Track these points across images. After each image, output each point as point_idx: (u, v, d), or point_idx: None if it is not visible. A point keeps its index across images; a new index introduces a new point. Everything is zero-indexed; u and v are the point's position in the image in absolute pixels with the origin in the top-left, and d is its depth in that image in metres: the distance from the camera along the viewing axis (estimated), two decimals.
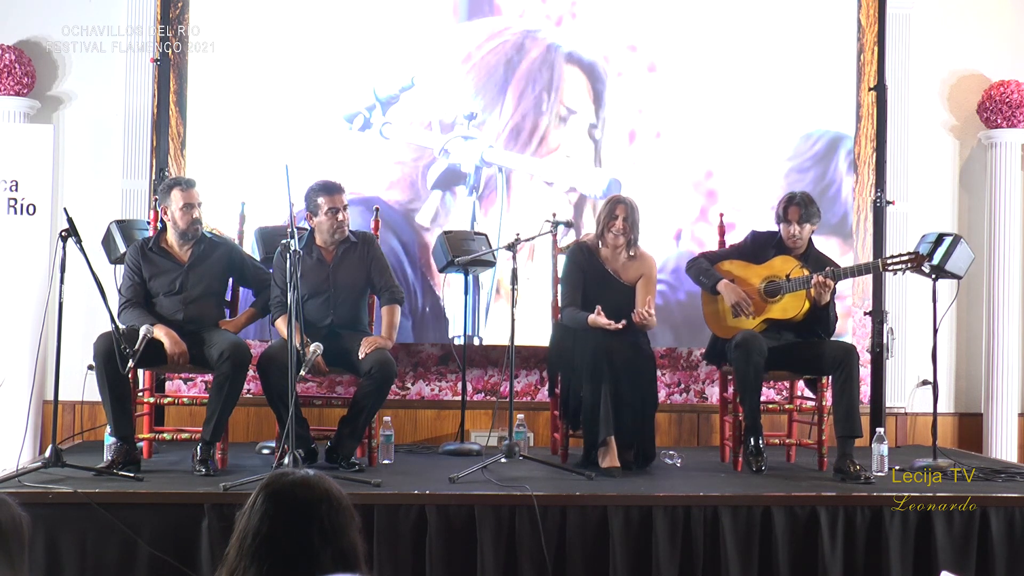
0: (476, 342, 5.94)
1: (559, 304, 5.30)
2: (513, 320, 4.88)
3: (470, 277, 5.78)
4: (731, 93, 6.26)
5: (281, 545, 1.93)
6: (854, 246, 6.32)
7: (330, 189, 4.99)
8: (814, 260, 5.18)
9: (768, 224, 5.32)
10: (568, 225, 5.21)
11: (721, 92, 6.26)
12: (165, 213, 4.91)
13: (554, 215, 5.33)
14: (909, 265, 4.97)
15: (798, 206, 5.10)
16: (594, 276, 5.17)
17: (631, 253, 5.18)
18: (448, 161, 6.10)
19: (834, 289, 5.11)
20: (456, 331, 6.02)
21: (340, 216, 4.97)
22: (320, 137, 6.05)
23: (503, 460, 4.72)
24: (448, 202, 6.10)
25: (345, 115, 6.05)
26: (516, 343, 4.93)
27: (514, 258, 4.91)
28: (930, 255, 5.40)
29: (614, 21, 6.22)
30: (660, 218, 6.09)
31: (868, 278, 6.14)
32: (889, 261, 5.02)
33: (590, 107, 6.21)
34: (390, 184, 6.07)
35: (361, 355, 4.79)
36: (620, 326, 4.90)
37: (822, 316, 5.07)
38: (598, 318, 4.93)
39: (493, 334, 5.93)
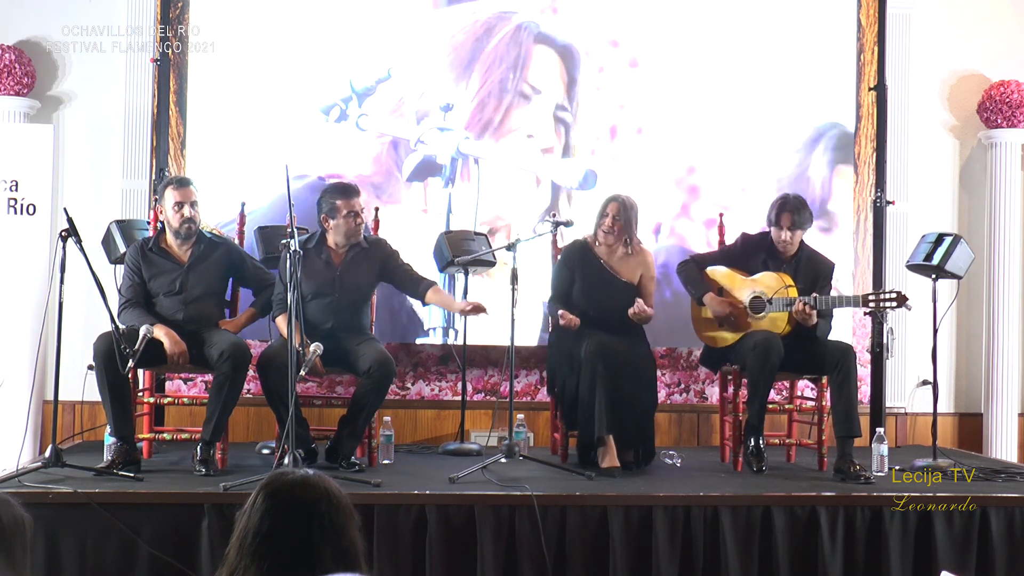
0: (452, 334, 5.95)
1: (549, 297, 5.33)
2: (513, 320, 4.88)
3: (470, 276, 5.79)
4: (725, 91, 6.25)
5: (281, 544, 1.93)
6: (854, 246, 6.32)
7: (348, 192, 4.97)
8: (806, 263, 5.17)
9: (753, 218, 5.31)
10: (568, 225, 5.22)
11: (709, 89, 6.25)
12: (161, 213, 4.91)
13: (554, 215, 5.34)
14: (894, 305, 4.97)
15: (791, 212, 5.09)
16: (591, 272, 5.18)
17: (628, 250, 5.18)
18: (424, 152, 6.10)
19: (830, 288, 5.14)
20: (433, 323, 6.04)
21: (359, 220, 4.96)
22: (321, 136, 6.06)
23: (503, 460, 4.72)
24: (427, 195, 6.12)
25: (327, 109, 6.07)
26: (517, 343, 4.93)
27: (514, 258, 4.92)
28: (929, 256, 5.42)
29: (596, 16, 6.22)
30: (641, 213, 6.08)
31: (868, 276, 6.18)
32: (872, 299, 5.01)
33: (560, 88, 6.20)
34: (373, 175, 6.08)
35: (462, 310, 4.89)
36: (576, 322, 4.96)
37: (809, 332, 5.06)
38: (563, 320, 5.01)
39: (492, 334, 5.93)
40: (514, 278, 4.86)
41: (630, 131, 6.24)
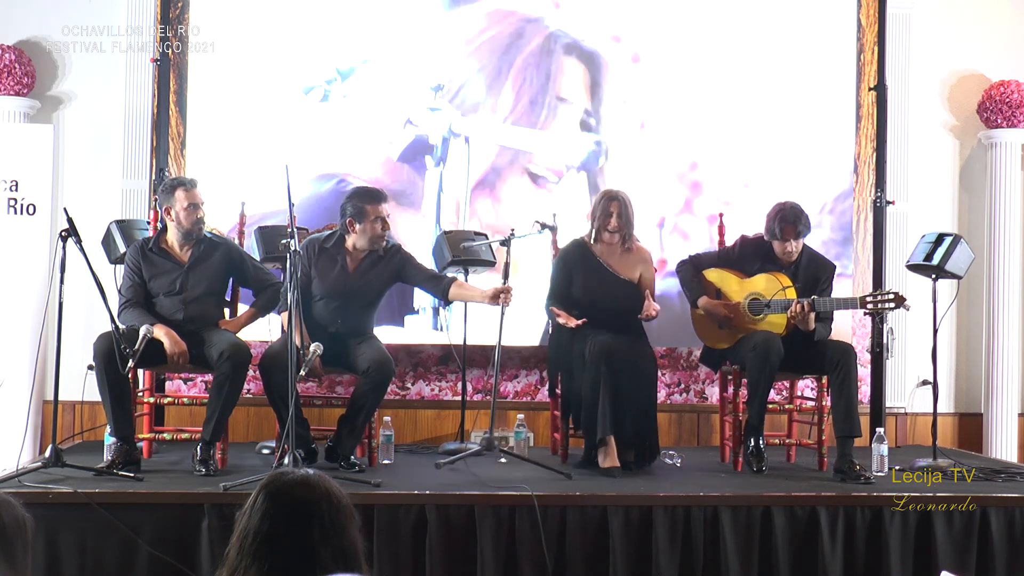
0: (444, 316, 5.98)
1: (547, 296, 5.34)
2: (502, 315, 4.88)
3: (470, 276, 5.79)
4: (727, 88, 6.25)
5: (282, 544, 1.92)
6: (854, 246, 6.32)
7: (376, 197, 4.96)
8: (806, 265, 5.15)
9: (756, 215, 5.30)
10: (553, 229, 5.22)
11: (711, 85, 6.24)
12: (168, 213, 4.89)
13: (544, 220, 5.33)
14: (892, 306, 4.96)
15: (792, 224, 5.06)
16: (590, 272, 5.18)
17: (625, 247, 5.19)
18: (415, 133, 6.09)
19: (831, 290, 5.14)
20: (420, 303, 6.06)
21: (386, 225, 4.94)
22: (321, 133, 6.06)
23: (482, 453, 4.72)
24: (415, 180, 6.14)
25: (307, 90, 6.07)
26: (516, 343, 4.93)
27: (508, 253, 4.92)
28: (929, 256, 5.41)
29: (598, 11, 6.22)
30: (644, 209, 6.09)
31: (868, 276, 6.17)
32: (870, 300, 5.00)
33: (584, 97, 6.21)
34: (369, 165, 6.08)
35: (488, 298, 4.81)
36: (580, 323, 4.94)
37: (807, 335, 5.05)
38: (561, 318, 5.01)
39: (492, 333, 5.91)
40: (505, 274, 4.87)
41: (633, 126, 6.23)
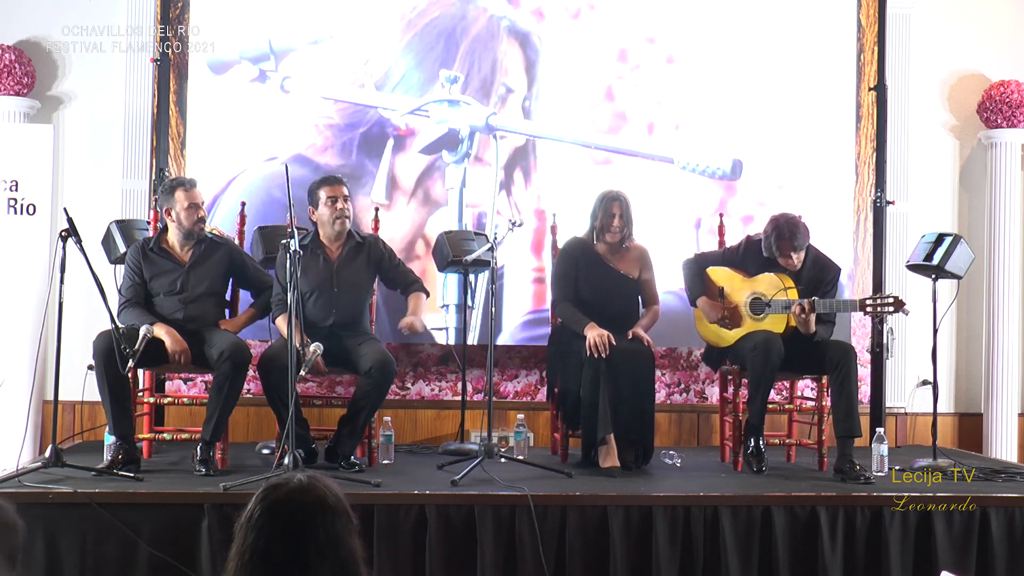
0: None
1: (552, 299, 5.34)
2: (492, 318, 4.89)
3: (470, 276, 5.79)
4: (743, 87, 6.25)
5: (278, 565, 1.91)
6: (854, 246, 6.32)
7: (330, 180, 5.04)
8: (810, 267, 5.13)
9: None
10: (519, 224, 5.22)
11: (740, 86, 6.25)
12: (168, 214, 4.89)
13: (510, 219, 5.34)
14: (891, 310, 4.96)
15: (788, 241, 5.03)
16: (593, 269, 5.19)
17: (624, 245, 5.22)
18: (448, 126, 6.07)
19: (835, 292, 5.14)
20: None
21: (339, 204, 4.97)
22: (320, 130, 6.06)
23: (483, 460, 4.70)
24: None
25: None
26: (516, 343, 4.93)
27: (493, 257, 4.92)
28: (929, 256, 5.41)
29: (632, 13, 6.22)
30: (680, 209, 6.08)
31: (868, 276, 6.18)
32: (870, 304, 4.99)
33: (523, 80, 6.21)
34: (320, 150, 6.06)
35: (404, 326, 4.91)
36: (612, 343, 4.90)
37: (806, 337, 5.04)
38: (595, 333, 4.89)
39: (505, 334, 5.93)
40: (492, 277, 4.88)
41: (668, 127, 6.22)
